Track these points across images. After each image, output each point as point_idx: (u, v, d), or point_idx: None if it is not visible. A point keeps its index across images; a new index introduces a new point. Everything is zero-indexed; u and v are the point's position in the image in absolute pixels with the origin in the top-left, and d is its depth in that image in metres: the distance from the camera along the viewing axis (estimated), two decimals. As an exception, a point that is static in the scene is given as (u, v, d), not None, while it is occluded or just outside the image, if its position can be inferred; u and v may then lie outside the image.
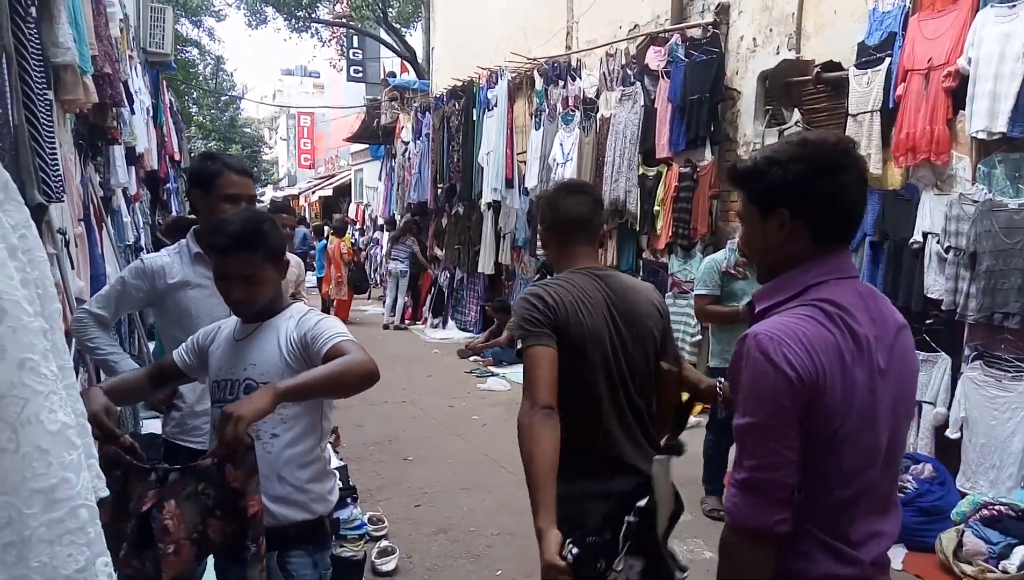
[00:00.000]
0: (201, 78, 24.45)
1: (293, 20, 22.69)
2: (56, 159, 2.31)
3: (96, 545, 0.87)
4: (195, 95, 23.62)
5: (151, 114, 9.59)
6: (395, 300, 11.82)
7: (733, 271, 4.25)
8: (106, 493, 1.21)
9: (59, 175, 2.33)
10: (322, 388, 1.77)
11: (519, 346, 1.93)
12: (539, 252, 8.38)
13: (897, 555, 3.82)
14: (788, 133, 5.53)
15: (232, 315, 2.05)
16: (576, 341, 1.90)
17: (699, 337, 6.45)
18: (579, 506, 1.85)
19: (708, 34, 6.68)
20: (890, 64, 4.82)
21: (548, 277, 2.27)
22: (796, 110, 5.90)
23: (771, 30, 6.23)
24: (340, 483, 3.74)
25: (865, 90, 4.98)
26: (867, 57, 5.00)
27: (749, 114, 6.47)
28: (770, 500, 1.31)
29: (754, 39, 6.44)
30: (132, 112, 6.88)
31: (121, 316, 3.02)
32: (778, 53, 6.09)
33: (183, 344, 2.10)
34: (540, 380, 1.81)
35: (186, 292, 2.36)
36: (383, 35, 21.33)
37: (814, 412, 1.29)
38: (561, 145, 8.48)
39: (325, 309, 10.63)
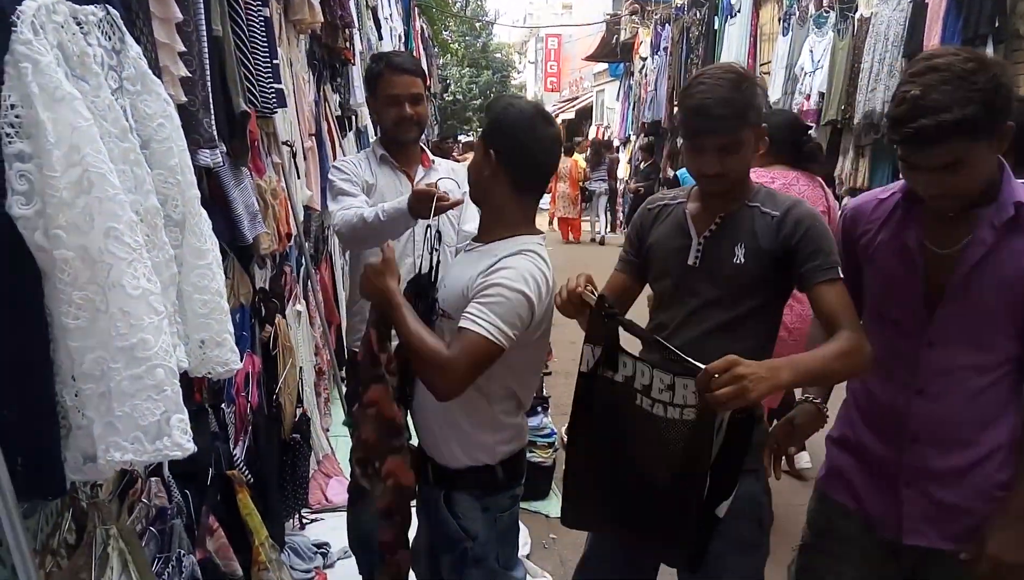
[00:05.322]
0: (456, 6, 25.40)
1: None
2: (268, 73, 2.51)
3: (171, 402, 0.95)
4: (449, 22, 24.64)
5: (402, 40, 10.21)
6: (599, 216, 13.85)
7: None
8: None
9: (272, 89, 2.53)
10: (407, 344, 1.72)
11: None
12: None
13: None
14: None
15: None
16: None
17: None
18: None
19: (1000, -94, 5.53)
20: None
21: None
22: (1115, -8, 4.72)
23: None
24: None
25: None
26: None
27: (1049, 2, 5.31)
28: None
29: (1065, -95, 5.20)
30: (380, 37, 7.35)
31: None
32: (1097, -80, 4.88)
33: None
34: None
35: (373, 193, 2.40)
36: (632, -55, 20.52)
37: None
38: (811, 52, 7.66)
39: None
